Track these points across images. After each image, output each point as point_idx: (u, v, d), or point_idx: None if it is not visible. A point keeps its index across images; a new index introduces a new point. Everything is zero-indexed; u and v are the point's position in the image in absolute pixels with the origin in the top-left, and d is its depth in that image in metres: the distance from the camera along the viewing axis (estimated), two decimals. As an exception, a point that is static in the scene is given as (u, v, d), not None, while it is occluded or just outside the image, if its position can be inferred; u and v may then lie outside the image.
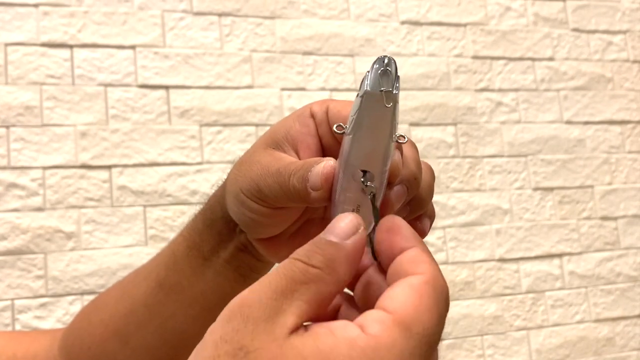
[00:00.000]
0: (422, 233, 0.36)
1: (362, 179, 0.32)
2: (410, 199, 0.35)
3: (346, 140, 0.32)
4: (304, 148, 0.36)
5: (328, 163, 0.33)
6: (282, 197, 0.34)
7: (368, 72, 0.30)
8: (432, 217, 0.38)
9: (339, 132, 0.33)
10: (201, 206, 0.43)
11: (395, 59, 0.30)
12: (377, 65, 0.30)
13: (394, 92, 0.30)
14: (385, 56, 0.30)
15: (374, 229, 0.32)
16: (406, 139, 0.33)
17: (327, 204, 0.34)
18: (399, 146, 0.34)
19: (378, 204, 0.33)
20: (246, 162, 0.37)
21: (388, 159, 0.32)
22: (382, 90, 0.29)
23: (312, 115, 0.36)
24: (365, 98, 0.30)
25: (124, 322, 0.45)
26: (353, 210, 0.32)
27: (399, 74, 0.30)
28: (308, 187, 0.33)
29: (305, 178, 0.33)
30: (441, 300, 0.27)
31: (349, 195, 0.33)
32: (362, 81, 0.31)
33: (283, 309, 0.26)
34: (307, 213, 0.39)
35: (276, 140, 0.37)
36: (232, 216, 0.39)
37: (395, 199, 0.34)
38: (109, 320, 0.46)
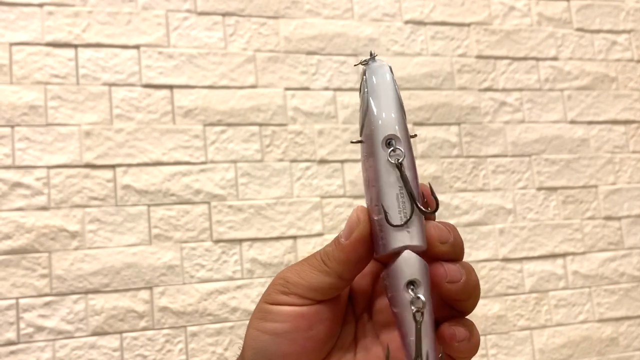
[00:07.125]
0: (451, 337, 0.35)
1: (388, 148, 0.34)
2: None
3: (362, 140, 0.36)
4: None
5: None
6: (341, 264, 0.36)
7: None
8: (470, 328, 0.35)
9: (354, 141, 0.37)
10: None
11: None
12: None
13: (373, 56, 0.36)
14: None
15: (411, 194, 0.33)
16: (414, 134, 0.36)
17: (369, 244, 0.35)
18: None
19: (410, 174, 0.33)
20: (261, 303, 0.38)
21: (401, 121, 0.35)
22: (363, 62, 0.36)
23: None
24: (364, 73, 0.36)
25: None
26: (396, 195, 0.33)
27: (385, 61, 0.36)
28: (342, 239, 0.36)
29: (336, 242, 0.37)
30: None
31: (382, 177, 0.34)
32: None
33: None
34: (331, 340, 0.38)
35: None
36: (250, 353, 0.37)
37: (435, 232, 0.35)
38: None
